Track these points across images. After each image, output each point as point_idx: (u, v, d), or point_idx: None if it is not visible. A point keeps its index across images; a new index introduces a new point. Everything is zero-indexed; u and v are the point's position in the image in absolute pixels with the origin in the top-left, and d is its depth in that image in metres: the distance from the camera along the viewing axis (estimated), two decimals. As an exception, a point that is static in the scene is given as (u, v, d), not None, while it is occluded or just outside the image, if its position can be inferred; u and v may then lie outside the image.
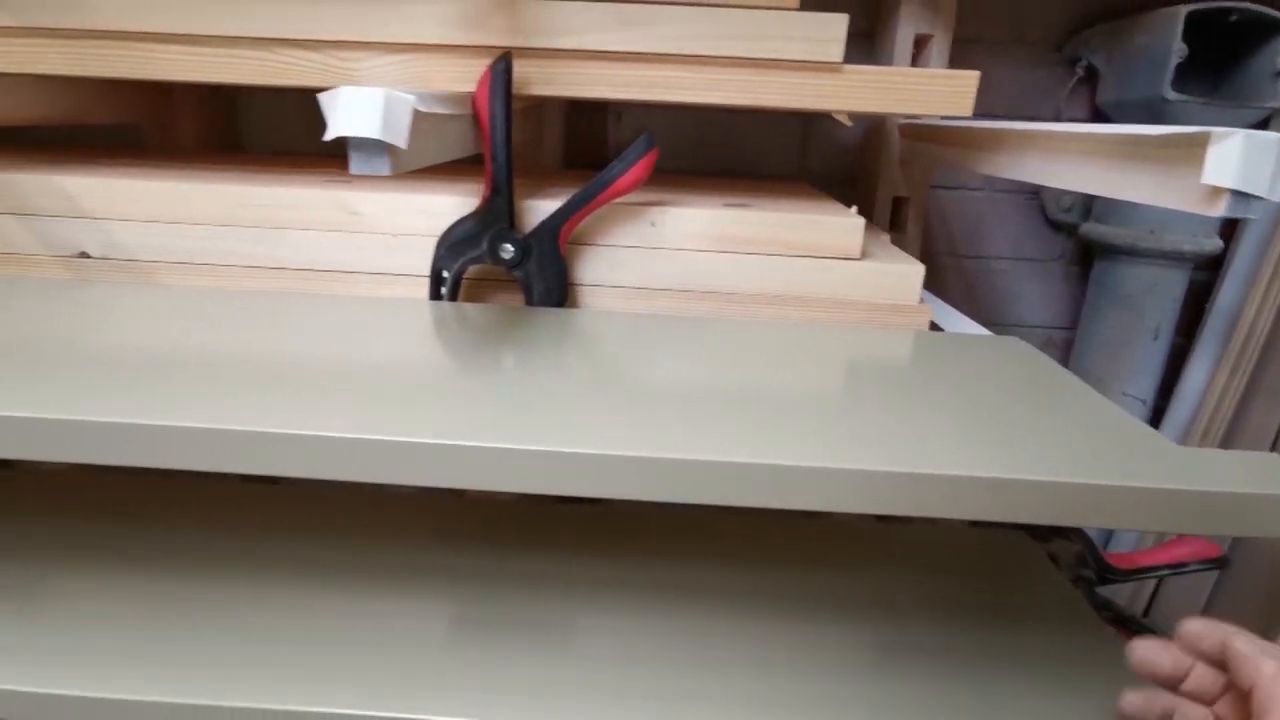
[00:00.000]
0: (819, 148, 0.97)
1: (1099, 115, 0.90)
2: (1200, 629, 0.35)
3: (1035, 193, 0.97)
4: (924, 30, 0.83)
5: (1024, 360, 0.55)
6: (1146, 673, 0.36)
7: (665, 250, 0.60)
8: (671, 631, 0.52)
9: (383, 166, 0.39)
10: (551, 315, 0.57)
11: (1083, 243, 0.95)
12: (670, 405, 0.42)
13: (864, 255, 0.60)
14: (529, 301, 0.58)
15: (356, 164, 0.39)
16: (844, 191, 0.80)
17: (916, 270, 0.60)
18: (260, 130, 0.97)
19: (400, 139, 0.39)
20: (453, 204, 0.58)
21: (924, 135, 0.81)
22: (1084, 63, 0.89)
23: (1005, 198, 0.97)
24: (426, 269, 0.59)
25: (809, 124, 0.96)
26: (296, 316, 0.54)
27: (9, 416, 0.36)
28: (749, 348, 0.54)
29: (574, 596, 0.55)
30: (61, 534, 0.59)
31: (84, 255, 0.62)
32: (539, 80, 0.56)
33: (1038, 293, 0.96)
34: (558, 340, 0.53)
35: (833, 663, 0.50)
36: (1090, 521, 0.37)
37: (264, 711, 0.43)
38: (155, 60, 0.58)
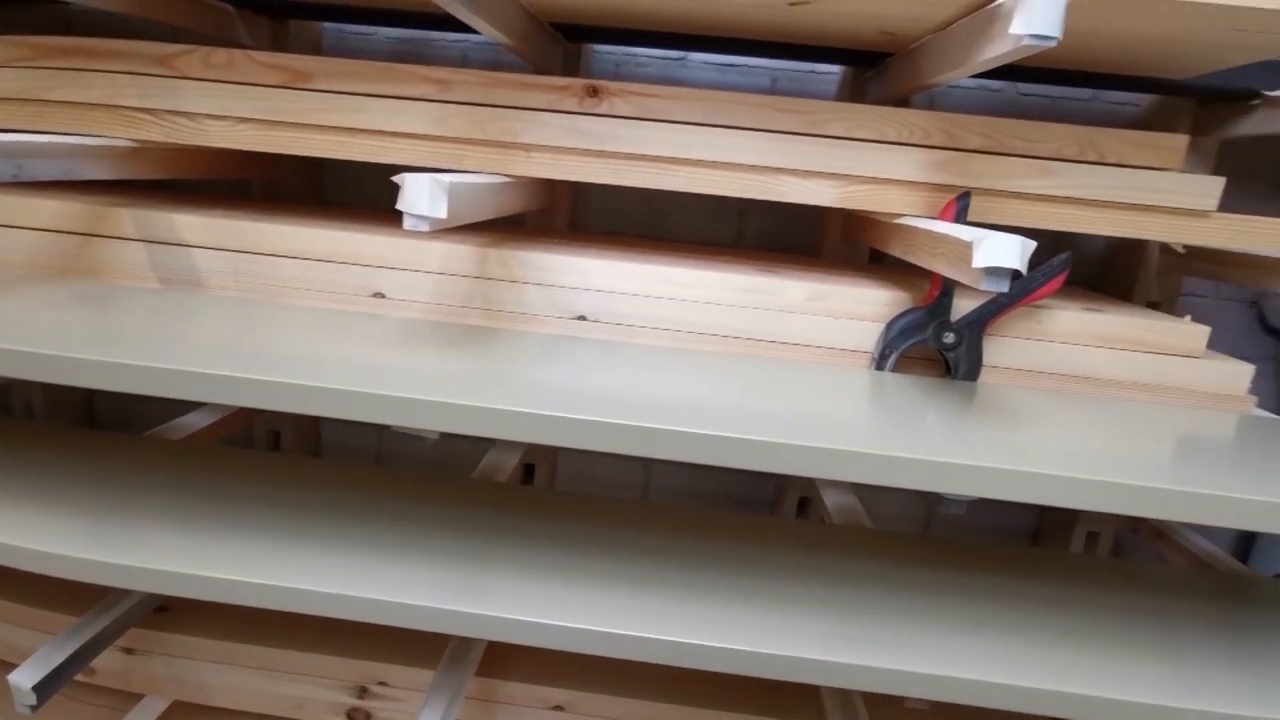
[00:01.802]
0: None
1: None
2: None
3: (1254, 302, 1.13)
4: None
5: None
6: None
7: (1047, 342, 0.77)
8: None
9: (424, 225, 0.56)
10: (971, 387, 0.74)
11: (1298, 347, 1.12)
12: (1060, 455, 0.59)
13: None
14: (954, 377, 0.75)
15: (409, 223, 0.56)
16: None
17: (1247, 369, 0.77)
18: (338, 190, 1.16)
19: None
20: (893, 298, 0.76)
21: (1195, 254, 0.99)
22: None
23: (1228, 305, 1.14)
24: (862, 345, 0.76)
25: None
26: (779, 375, 0.72)
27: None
28: (1115, 418, 0.70)
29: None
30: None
31: (581, 318, 0.80)
32: (979, 210, 0.75)
33: (1253, 388, 1.13)
34: (982, 405, 0.70)
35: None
36: None
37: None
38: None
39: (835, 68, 1.10)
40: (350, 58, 0.78)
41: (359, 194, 1.17)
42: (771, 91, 1.12)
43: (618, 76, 1.10)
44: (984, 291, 0.57)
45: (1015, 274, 0.55)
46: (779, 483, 1.25)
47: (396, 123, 0.77)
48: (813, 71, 1.12)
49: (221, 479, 0.79)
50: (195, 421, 1.01)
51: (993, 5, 0.58)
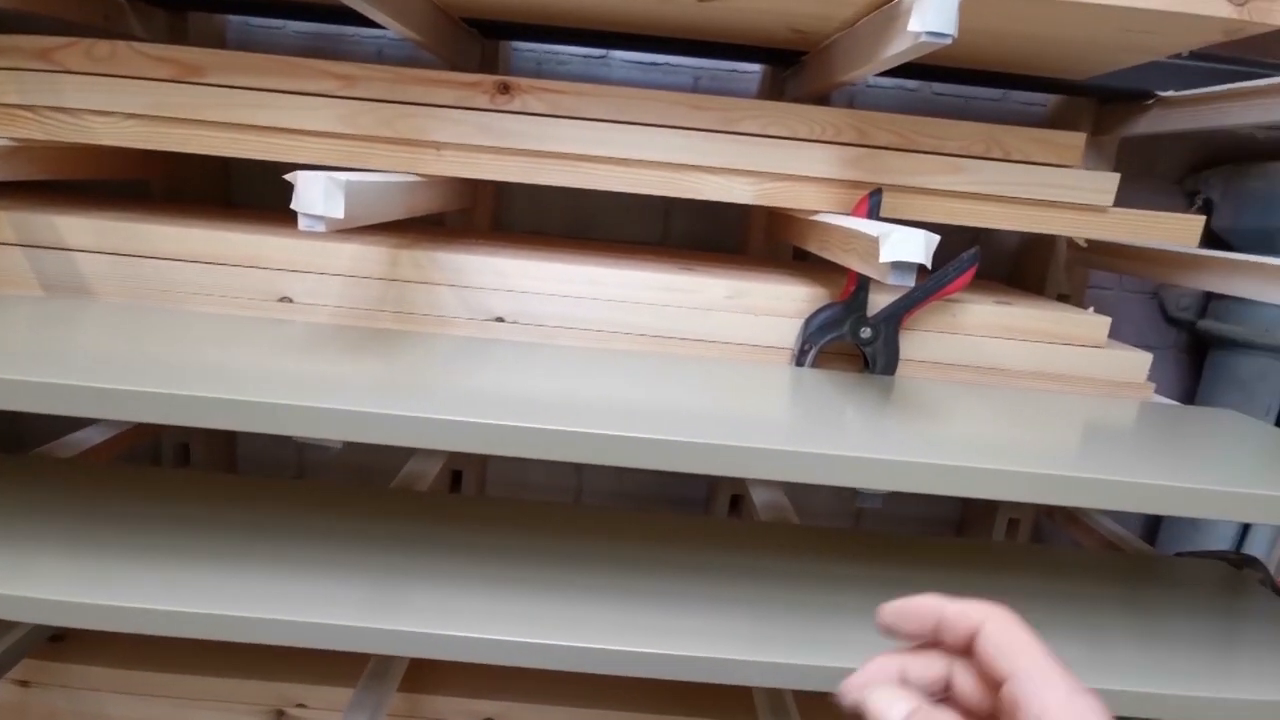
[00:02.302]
0: (986, 252, 1.18)
1: (1213, 238, 1.13)
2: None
3: (1155, 293, 1.19)
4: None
5: (1240, 423, 0.75)
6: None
7: (961, 335, 0.78)
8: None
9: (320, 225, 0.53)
10: (889, 381, 0.75)
11: (1198, 335, 1.17)
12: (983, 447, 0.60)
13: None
14: (872, 371, 0.76)
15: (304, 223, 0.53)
16: (1003, 288, 1.00)
17: (1145, 357, 0.79)
18: (246, 191, 1.12)
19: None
20: (812, 294, 0.77)
21: (1098, 248, 1.03)
22: (1202, 196, 1.12)
23: (1132, 296, 1.19)
24: (782, 342, 0.76)
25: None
26: (702, 373, 0.71)
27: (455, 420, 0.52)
28: (1027, 409, 0.72)
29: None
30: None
31: (499, 320, 0.78)
32: (891, 207, 0.76)
33: (1154, 375, 1.18)
34: (901, 399, 0.71)
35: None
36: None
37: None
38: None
39: (755, 67, 1.10)
40: (257, 53, 0.74)
41: (268, 195, 1.13)
42: (694, 90, 1.12)
43: (539, 75, 1.08)
44: (895, 286, 0.57)
45: (921, 268, 0.56)
46: (710, 482, 1.25)
47: (298, 120, 0.74)
48: (734, 70, 1.13)
49: (120, 499, 0.75)
50: (91, 437, 0.95)
51: (891, 4, 0.59)
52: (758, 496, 0.97)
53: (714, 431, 0.55)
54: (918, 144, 0.76)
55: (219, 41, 1.04)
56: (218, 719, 0.87)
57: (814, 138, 0.76)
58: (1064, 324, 0.79)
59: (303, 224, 0.54)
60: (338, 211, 0.54)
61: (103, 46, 0.73)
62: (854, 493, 0.60)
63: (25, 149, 0.76)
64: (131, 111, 0.74)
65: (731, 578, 0.71)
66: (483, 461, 1.20)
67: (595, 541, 0.75)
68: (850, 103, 1.12)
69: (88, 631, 0.84)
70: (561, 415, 0.55)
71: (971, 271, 0.74)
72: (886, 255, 0.55)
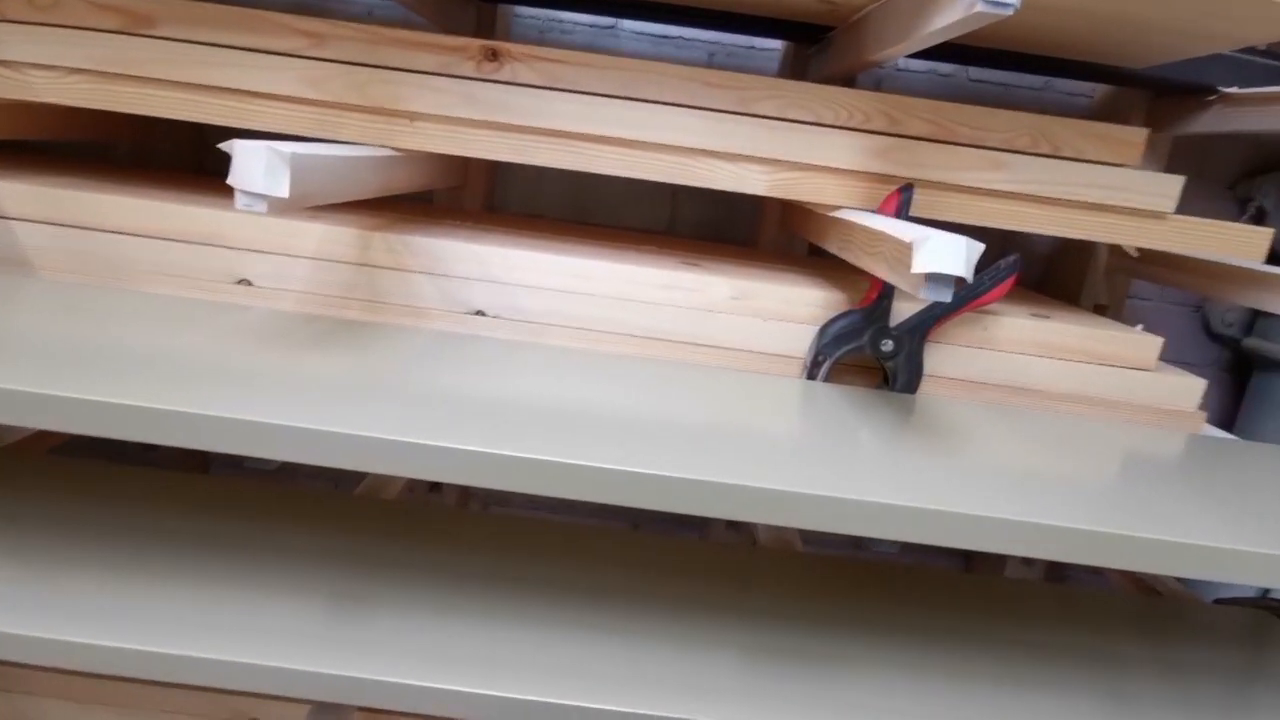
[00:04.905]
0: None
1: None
2: None
3: (1199, 307, 1.10)
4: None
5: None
6: None
7: (992, 351, 0.70)
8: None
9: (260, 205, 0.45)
10: (910, 401, 0.67)
11: (1242, 354, 1.08)
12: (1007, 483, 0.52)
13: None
14: (891, 388, 0.68)
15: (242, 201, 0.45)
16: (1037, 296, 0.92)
17: (1199, 384, 0.71)
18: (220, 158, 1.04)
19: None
20: (828, 299, 0.68)
21: (1148, 257, 0.94)
22: (1255, 203, 1.03)
23: (1173, 309, 1.10)
24: (792, 350, 0.69)
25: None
26: (703, 384, 0.64)
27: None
28: (1067, 438, 0.64)
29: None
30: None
31: (479, 313, 0.71)
32: (923, 204, 0.67)
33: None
34: (925, 424, 0.63)
35: None
36: None
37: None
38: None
39: (776, 43, 1.02)
40: (213, 2, 0.66)
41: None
42: (708, 67, 1.03)
43: (541, 44, 1.00)
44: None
45: (959, 281, 0.48)
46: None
47: (260, 81, 0.66)
48: (752, 47, 1.04)
49: (55, 500, 0.68)
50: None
51: (944, -33, 0.50)
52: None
53: (715, 458, 0.48)
54: (956, 134, 0.67)
55: (195, -6, 0.96)
56: (167, 729, 0.81)
57: (839, 124, 0.67)
58: (1110, 343, 0.70)
59: (240, 203, 0.46)
60: (281, 190, 0.46)
61: (45, -9, 0.65)
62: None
63: (-40, 104, 0.68)
64: (75, 66, 0.66)
65: (721, 616, 0.64)
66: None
67: (578, 569, 0.67)
68: (877, 87, 1.03)
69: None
70: (546, 431, 0.48)
71: (1011, 281, 0.66)
72: (921, 265, 0.47)
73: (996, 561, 1.09)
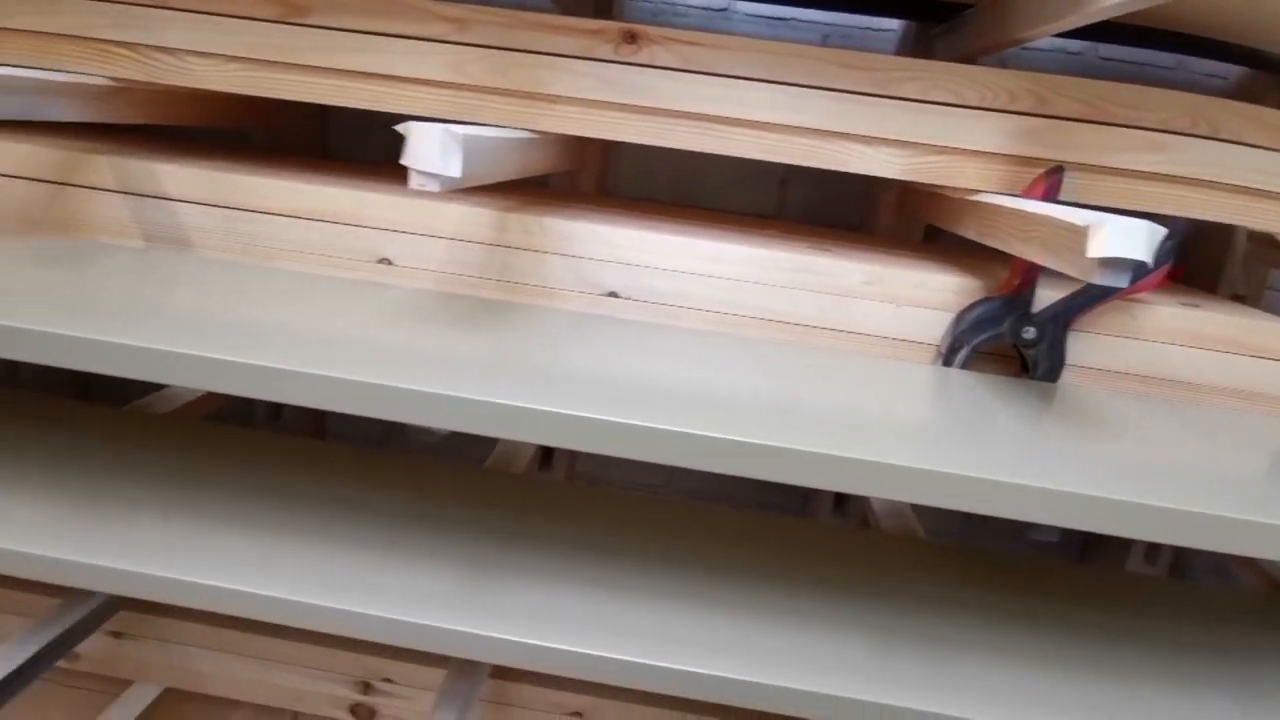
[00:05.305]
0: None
1: None
2: None
3: (1345, 299, 1.03)
4: None
5: None
6: None
7: (1140, 340, 0.68)
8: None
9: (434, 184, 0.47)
10: (1052, 389, 0.65)
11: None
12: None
13: (1315, 360, 0.68)
14: (1032, 376, 0.66)
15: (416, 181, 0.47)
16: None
17: (1366, 379, 0.67)
18: (343, 141, 1.08)
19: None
20: (962, 285, 0.67)
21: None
22: None
23: (1315, 301, 1.04)
24: (926, 337, 0.67)
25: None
26: (839, 368, 0.63)
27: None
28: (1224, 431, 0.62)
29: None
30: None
31: (612, 295, 0.72)
32: (1071, 188, 0.65)
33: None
34: (1071, 412, 0.61)
35: None
36: None
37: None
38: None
39: (894, 23, 0.99)
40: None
41: (366, 149, 1.08)
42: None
43: (655, 25, 1.00)
44: (1078, 282, 0.48)
45: (1139, 266, 0.46)
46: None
47: (405, 66, 0.68)
48: (869, 28, 1.02)
49: (207, 462, 0.72)
50: (186, 392, 0.93)
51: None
52: (878, 502, 0.88)
53: (842, 438, 0.47)
54: (1110, 115, 0.65)
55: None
56: (303, 685, 0.85)
57: (984, 105, 0.66)
58: (1267, 334, 0.67)
59: (414, 182, 0.48)
60: (455, 170, 0.47)
61: (207, -19, 0.68)
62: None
63: (125, 90, 0.72)
64: (234, 54, 0.69)
65: (836, 595, 0.63)
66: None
67: (691, 541, 0.68)
68: (1003, 66, 1.00)
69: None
70: (665, 408, 0.49)
71: (1167, 268, 0.63)
72: (1099, 249, 0.46)
73: (1116, 556, 1.05)
